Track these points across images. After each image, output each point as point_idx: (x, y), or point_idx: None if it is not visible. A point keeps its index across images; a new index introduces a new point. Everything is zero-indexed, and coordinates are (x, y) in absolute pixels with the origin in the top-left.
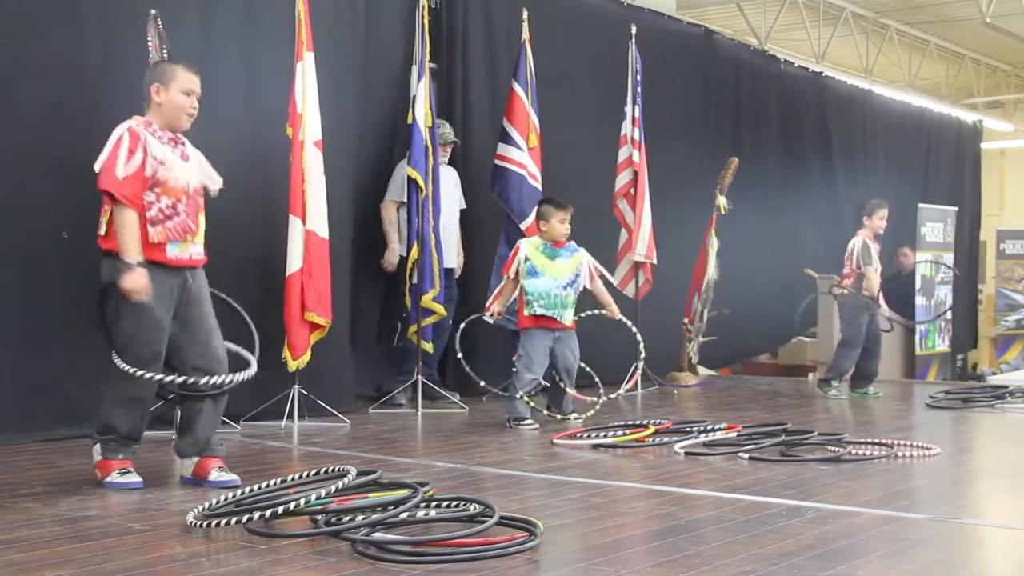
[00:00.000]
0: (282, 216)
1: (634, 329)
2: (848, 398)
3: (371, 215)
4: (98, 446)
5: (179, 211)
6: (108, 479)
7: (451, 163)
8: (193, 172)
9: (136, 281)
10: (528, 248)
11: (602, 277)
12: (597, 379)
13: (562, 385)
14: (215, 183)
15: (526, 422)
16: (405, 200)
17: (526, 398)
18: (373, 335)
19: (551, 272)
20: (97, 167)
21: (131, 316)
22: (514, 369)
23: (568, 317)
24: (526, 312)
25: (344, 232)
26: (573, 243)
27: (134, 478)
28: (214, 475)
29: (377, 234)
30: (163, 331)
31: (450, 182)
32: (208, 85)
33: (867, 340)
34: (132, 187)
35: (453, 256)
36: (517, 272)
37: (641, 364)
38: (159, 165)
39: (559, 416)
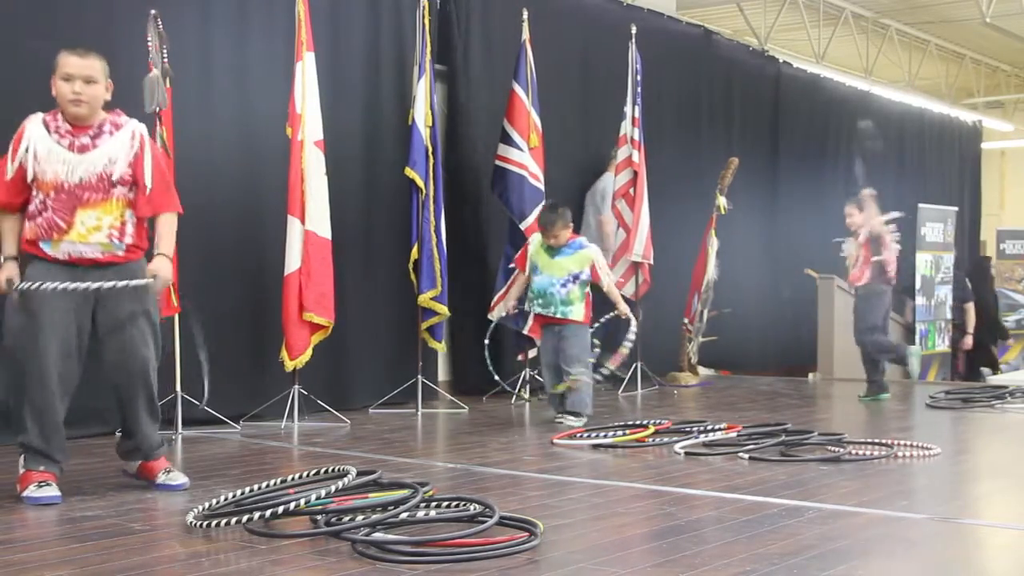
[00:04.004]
0: (281, 216)
1: (629, 316)
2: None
3: (373, 215)
4: (22, 458)
5: (48, 207)
6: (25, 492)
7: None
8: (80, 164)
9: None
10: (534, 245)
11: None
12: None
13: (564, 378)
14: (117, 171)
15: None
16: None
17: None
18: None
19: (549, 270)
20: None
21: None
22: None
23: (574, 312)
24: (526, 308)
25: (347, 232)
26: (581, 239)
27: (52, 491)
28: (161, 478)
29: (380, 234)
30: (51, 335)
31: None
32: (208, 85)
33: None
34: (6, 190)
35: None
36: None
37: (629, 344)
38: (31, 159)
39: (556, 414)
